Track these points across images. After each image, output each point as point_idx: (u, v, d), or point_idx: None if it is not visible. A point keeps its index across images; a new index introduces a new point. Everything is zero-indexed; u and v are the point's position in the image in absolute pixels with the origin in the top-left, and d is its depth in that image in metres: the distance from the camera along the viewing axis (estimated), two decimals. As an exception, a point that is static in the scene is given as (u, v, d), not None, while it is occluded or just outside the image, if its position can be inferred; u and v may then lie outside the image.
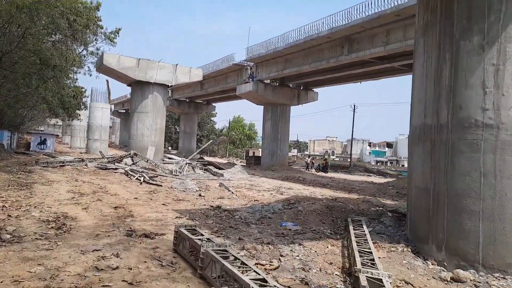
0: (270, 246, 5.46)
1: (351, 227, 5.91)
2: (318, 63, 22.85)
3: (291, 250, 5.31)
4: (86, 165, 19.64)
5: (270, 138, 30.97)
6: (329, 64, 22.43)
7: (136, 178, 14.86)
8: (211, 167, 23.37)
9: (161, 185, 12.69)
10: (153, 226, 6.46)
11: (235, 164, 34.94)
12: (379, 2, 17.28)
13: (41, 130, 61.86)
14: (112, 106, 72.71)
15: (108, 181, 13.67)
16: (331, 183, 19.88)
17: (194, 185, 12.47)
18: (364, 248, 5.01)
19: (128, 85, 27.80)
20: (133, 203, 8.89)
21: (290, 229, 6.49)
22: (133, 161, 20.60)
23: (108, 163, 19.97)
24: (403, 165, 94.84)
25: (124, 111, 69.27)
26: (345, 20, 19.37)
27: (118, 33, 27.47)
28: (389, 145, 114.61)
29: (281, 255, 5.09)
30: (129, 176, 15.77)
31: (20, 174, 14.05)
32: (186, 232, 4.70)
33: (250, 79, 29.93)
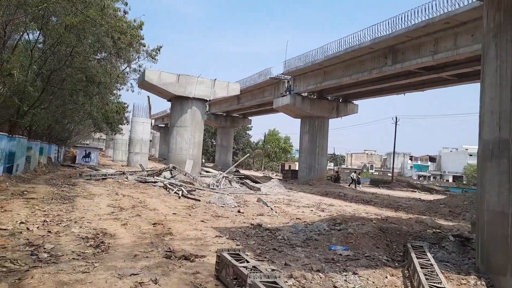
0: (320, 274, 4.88)
1: (413, 255, 5.19)
2: (359, 74, 22.05)
3: (345, 280, 4.71)
4: (126, 178, 19.98)
5: (308, 151, 30.23)
6: (371, 76, 21.56)
7: (175, 192, 14.77)
8: (247, 181, 22.99)
9: (199, 200, 12.44)
10: (193, 246, 6.09)
11: (271, 178, 34.40)
12: (426, 10, 16.37)
13: (87, 144, 65.04)
14: (153, 121, 75.16)
15: (147, 195, 13.65)
16: (374, 200, 18.77)
17: (232, 200, 12.10)
18: (433, 282, 4.31)
19: (168, 100, 28.40)
20: (172, 219, 8.63)
21: (340, 254, 5.86)
22: (171, 174, 20.70)
23: (147, 176, 20.20)
24: (447, 180, 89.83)
25: (163, 125, 71.30)
26: (389, 30, 18.56)
27: (159, 51, 28.21)
28: (432, 159, 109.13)
29: (335, 286, 4.50)
30: (167, 190, 15.73)
31: (64, 187, 14.42)
32: (229, 258, 4.26)
33: (288, 92, 29.56)
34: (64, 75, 16.81)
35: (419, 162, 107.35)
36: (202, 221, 8.57)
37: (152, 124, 76.45)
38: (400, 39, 18.29)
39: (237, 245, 6.34)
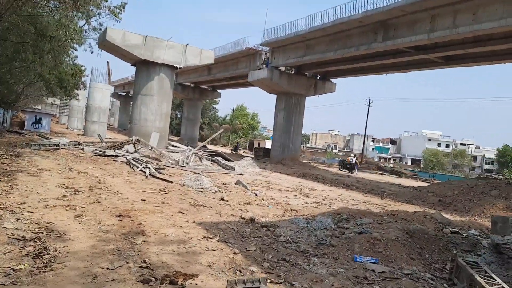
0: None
1: (478, 278, 3.90)
2: (345, 50, 20.61)
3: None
4: (83, 149, 17.58)
5: (282, 130, 28.87)
6: (358, 52, 20.18)
7: (141, 170, 12.84)
8: (219, 158, 21.34)
9: (171, 181, 10.67)
10: (176, 257, 4.44)
11: (242, 156, 32.95)
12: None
13: (38, 109, 59.48)
14: (113, 88, 70.38)
15: (108, 172, 11.63)
16: (355, 184, 17.90)
17: (210, 183, 10.45)
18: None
19: (132, 65, 25.51)
20: (142, 208, 6.86)
21: (373, 270, 4.49)
22: (135, 148, 18.54)
23: (107, 148, 17.91)
24: (406, 163, 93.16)
25: (124, 93, 66.91)
26: (383, 3, 17.13)
27: (123, 8, 24.96)
28: (393, 141, 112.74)
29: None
30: (131, 166, 13.73)
31: (5, 158, 11.98)
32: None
33: (265, 65, 27.70)
34: (7, 24, 13.84)
35: (380, 144, 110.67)
36: (181, 212, 6.88)
37: (112, 92, 71.76)
38: (394, 13, 16.95)
39: (234, 253, 4.77)
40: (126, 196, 7.96)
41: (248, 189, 11.63)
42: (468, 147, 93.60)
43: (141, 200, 7.66)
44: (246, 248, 4.99)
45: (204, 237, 5.35)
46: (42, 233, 4.77)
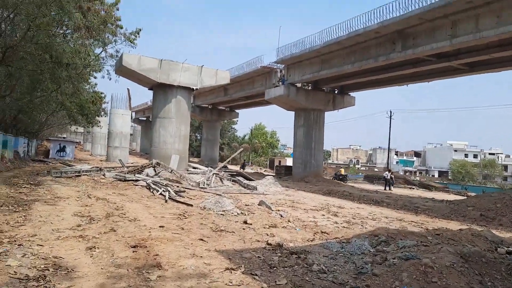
0: None
1: None
2: (363, 62, 20.01)
3: None
4: (103, 175, 17.46)
5: (303, 146, 28.18)
6: (376, 63, 19.56)
7: (160, 194, 12.45)
8: (240, 178, 20.81)
9: (191, 205, 10.17)
10: (196, 294, 3.86)
11: (263, 174, 32.30)
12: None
13: (63, 137, 61.18)
14: (133, 114, 71.86)
15: (127, 198, 11.27)
16: (386, 200, 16.89)
17: (232, 205, 9.89)
18: None
19: (149, 89, 25.72)
20: (159, 236, 6.35)
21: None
22: (155, 171, 18.26)
23: (128, 173, 17.71)
24: (433, 175, 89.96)
25: (145, 118, 68.08)
26: (398, 12, 16.57)
27: (138, 34, 25.45)
28: (417, 154, 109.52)
29: None
30: (151, 190, 13.37)
31: (24, 187, 11.85)
32: None
33: (281, 83, 27.38)
34: (22, 53, 14.03)
35: (404, 158, 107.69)
36: (201, 239, 6.32)
37: (133, 117, 73.27)
38: (412, 22, 16.34)
39: None
40: (144, 223, 7.49)
41: (272, 210, 11.00)
42: (498, 157, 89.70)
43: (159, 226, 7.17)
44: (275, 282, 4.36)
45: (227, 268, 4.75)
46: (48, 270, 4.31)
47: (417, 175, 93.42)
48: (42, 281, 3.94)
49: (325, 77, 24.57)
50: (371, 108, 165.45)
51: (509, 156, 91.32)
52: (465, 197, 17.82)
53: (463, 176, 76.86)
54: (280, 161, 50.14)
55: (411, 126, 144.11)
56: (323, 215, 11.71)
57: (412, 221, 11.82)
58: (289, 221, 8.67)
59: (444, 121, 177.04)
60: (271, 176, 25.46)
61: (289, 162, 43.84)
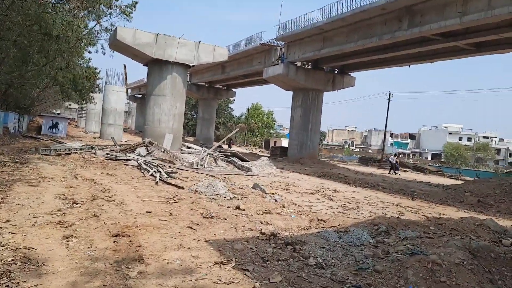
0: None
1: None
2: (367, 40, 19.25)
3: None
4: (94, 153, 16.96)
5: (300, 127, 27.68)
6: (381, 42, 18.80)
7: (151, 174, 11.98)
8: (234, 159, 20.38)
9: (182, 188, 9.72)
10: (179, 295, 3.44)
11: (258, 155, 31.92)
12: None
13: (57, 113, 60.16)
14: (129, 91, 70.58)
15: (115, 179, 10.80)
16: (381, 184, 16.58)
17: (225, 189, 9.45)
18: None
19: (144, 65, 24.85)
20: (145, 223, 5.91)
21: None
22: (147, 151, 17.77)
23: (119, 151, 17.22)
24: (426, 158, 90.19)
25: (140, 95, 66.94)
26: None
27: (134, 7, 24.33)
28: (411, 136, 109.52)
29: None
30: (142, 171, 12.89)
31: (8, 165, 11.32)
32: None
33: (280, 61, 26.57)
34: (9, 24, 13.21)
35: (399, 140, 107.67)
36: (190, 227, 5.88)
37: (128, 94, 71.99)
38: (422, -3, 15.56)
39: (254, 287, 3.73)
40: (130, 207, 7.04)
41: (267, 193, 10.61)
42: (491, 140, 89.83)
43: (146, 212, 6.73)
44: (269, 279, 3.94)
45: (216, 263, 4.33)
46: (16, 263, 3.86)
47: (411, 157, 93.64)
48: (5, 278, 3.48)
49: (327, 55, 23.78)
50: (367, 89, 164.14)
51: (502, 140, 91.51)
52: (462, 182, 17.56)
53: (455, 159, 77.20)
54: (275, 142, 49.75)
55: (407, 108, 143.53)
56: (318, 199, 11.39)
57: (408, 207, 11.52)
58: (283, 206, 8.26)
59: (442, 103, 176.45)
60: (266, 157, 25.05)
61: (284, 143, 43.40)
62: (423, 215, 10.11)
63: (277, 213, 7.52)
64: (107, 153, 16.59)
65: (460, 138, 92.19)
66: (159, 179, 11.07)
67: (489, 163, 78.35)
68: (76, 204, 6.98)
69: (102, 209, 6.72)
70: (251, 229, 6.02)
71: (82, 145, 19.18)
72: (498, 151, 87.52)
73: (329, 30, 21.53)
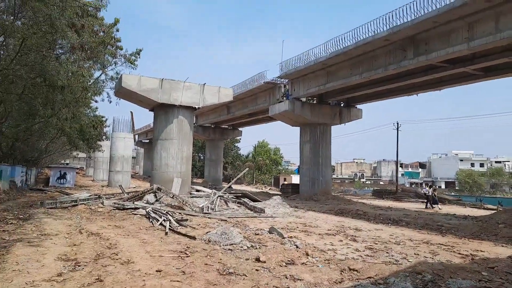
0: None
1: None
2: (372, 72, 19.09)
3: None
4: (102, 203, 16.38)
5: (310, 163, 27.04)
6: (386, 73, 18.62)
7: (160, 224, 11.29)
8: (246, 200, 19.65)
9: (194, 238, 8.99)
10: None
11: (269, 194, 31.04)
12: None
13: (66, 163, 60.39)
14: (136, 136, 71.29)
15: (123, 231, 10.11)
16: (404, 219, 15.59)
17: (240, 237, 8.70)
18: None
19: (150, 110, 24.87)
20: (155, 286, 5.19)
21: None
22: (156, 197, 17.14)
23: (127, 200, 16.61)
24: (439, 186, 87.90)
25: (147, 140, 67.41)
26: (410, 17, 15.69)
27: (139, 54, 24.73)
28: (422, 165, 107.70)
29: None
30: (151, 220, 12.21)
31: (11, 223, 10.74)
32: None
33: (285, 98, 26.51)
34: (12, 76, 13.17)
35: (409, 169, 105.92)
36: (206, 289, 5.14)
37: (136, 140, 72.65)
38: (425, 26, 15.44)
39: None
40: (138, 266, 6.33)
41: (285, 237, 9.83)
42: (504, 164, 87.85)
43: (156, 271, 6.00)
44: None
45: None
46: None
47: (424, 186, 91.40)
48: None
49: (331, 89, 23.66)
50: (375, 119, 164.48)
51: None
52: (489, 211, 16.47)
53: (470, 186, 75.21)
54: (285, 179, 48.89)
55: (414, 137, 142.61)
56: (341, 240, 10.53)
57: (440, 244, 10.57)
58: (307, 254, 7.47)
59: (448, 130, 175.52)
60: (278, 196, 24.24)
61: (294, 179, 42.60)
62: (459, 253, 9.19)
63: (302, 263, 6.73)
64: (114, 203, 16.00)
65: (472, 164, 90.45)
66: (169, 228, 10.37)
67: (505, 188, 76.04)
68: (79, 265, 6.29)
69: (108, 270, 6.02)
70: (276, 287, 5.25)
71: (89, 195, 18.67)
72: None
73: (333, 64, 21.52)
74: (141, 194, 17.43)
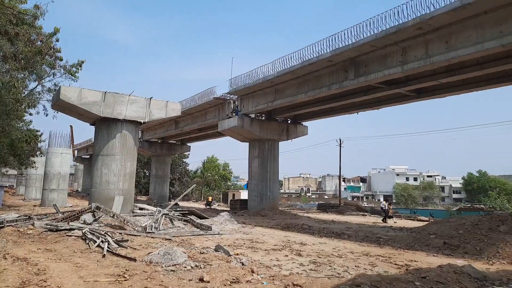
0: None
1: None
2: (316, 91, 19.92)
3: None
4: (32, 224, 14.96)
5: (258, 178, 27.24)
6: (330, 92, 19.53)
7: (97, 245, 10.54)
8: (193, 217, 19.18)
9: (135, 259, 8.49)
10: None
11: (217, 210, 30.62)
12: (395, 14, 14.72)
13: (-6, 180, 54.71)
14: (75, 152, 67.00)
15: (54, 255, 9.26)
16: (347, 232, 16.16)
17: (184, 256, 8.39)
18: None
19: (91, 124, 23.52)
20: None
21: None
22: (94, 217, 16.07)
23: (62, 220, 15.36)
24: (379, 200, 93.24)
25: (88, 156, 63.65)
26: (351, 40, 16.72)
27: (80, 66, 23.60)
28: (363, 180, 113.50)
29: None
30: (87, 242, 11.36)
31: None
32: None
33: (234, 114, 26.65)
34: None
35: (351, 184, 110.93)
36: (144, 314, 4.83)
37: (75, 155, 68.20)
38: (364, 49, 16.52)
39: None
40: (69, 294, 5.80)
41: (231, 255, 9.68)
42: (435, 178, 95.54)
43: (89, 299, 5.54)
44: None
45: None
46: None
47: (364, 200, 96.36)
48: None
49: (279, 106, 24.28)
50: (321, 135, 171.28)
51: (445, 178, 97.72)
52: (422, 222, 17.68)
53: (405, 199, 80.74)
54: (234, 194, 48.64)
55: (356, 152, 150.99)
56: (286, 255, 10.66)
57: (379, 255, 11.10)
58: (252, 271, 7.39)
59: (386, 146, 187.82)
60: (226, 212, 23.97)
61: (243, 195, 42.52)
62: (395, 264, 9.70)
63: (247, 281, 6.63)
64: (46, 224, 14.68)
65: (407, 179, 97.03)
66: (107, 250, 9.71)
67: (436, 201, 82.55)
68: (-3, 297, 5.62)
69: (32, 300, 5.43)
70: (219, 308, 5.08)
71: (18, 216, 17.00)
72: (442, 188, 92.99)
73: (280, 82, 22.14)
74: (78, 213, 16.24)
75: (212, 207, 37.58)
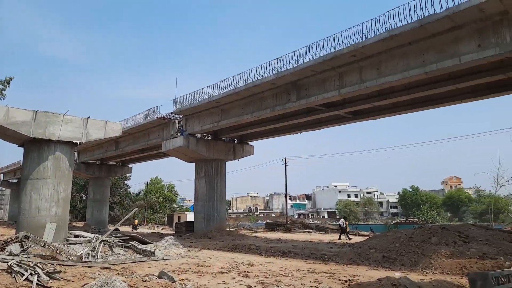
0: None
1: None
2: (261, 112, 20.39)
3: None
4: None
5: (205, 199, 26.79)
6: (274, 113, 20.11)
7: (26, 279, 9.53)
8: (134, 243, 18.20)
9: (68, 293, 7.80)
10: None
11: (161, 234, 29.39)
12: (332, 42, 15.74)
13: None
14: (1, 176, 60.96)
15: (-29, 294, 8.21)
16: (293, 250, 16.39)
17: (125, 286, 7.88)
18: None
19: (20, 146, 21.60)
20: None
21: None
22: (22, 247, 14.58)
23: (-18, 253, 13.69)
24: (323, 216, 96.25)
25: (16, 180, 58.03)
26: (293, 64, 17.49)
27: (8, 84, 21.95)
28: (308, 197, 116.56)
29: None
30: (14, 275, 10.22)
31: None
32: None
33: (179, 134, 26.19)
34: None
35: (297, 201, 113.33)
36: None
37: (1, 179, 62.01)
38: (305, 73, 17.36)
39: None
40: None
41: (176, 281, 9.32)
42: (374, 194, 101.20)
43: None
44: None
45: None
46: None
47: (310, 217, 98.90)
48: None
49: (225, 127, 24.38)
50: (266, 155, 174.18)
51: (383, 193, 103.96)
52: (362, 237, 18.54)
53: (348, 215, 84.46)
54: (179, 217, 47.20)
55: (302, 171, 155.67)
56: (234, 278, 10.52)
57: (324, 272, 11.39)
58: (199, 297, 7.15)
59: (329, 164, 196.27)
60: (171, 236, 23.11)
61: (189, 217, 41.43)
62: (339, 279, 10.00)
63: (192, 308, 6.39)
64: (-38, 258, 12.98)
65: (349, 195, 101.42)
66: (37, 283, 8.82)
67: (375, 216, 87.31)
68: None
69: None
70: None
71: None
72: (381, 203, 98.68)
73: (226, 103, 22.33)
74: (2, 244, 14.62)
75: (137, 230, 38.30)
